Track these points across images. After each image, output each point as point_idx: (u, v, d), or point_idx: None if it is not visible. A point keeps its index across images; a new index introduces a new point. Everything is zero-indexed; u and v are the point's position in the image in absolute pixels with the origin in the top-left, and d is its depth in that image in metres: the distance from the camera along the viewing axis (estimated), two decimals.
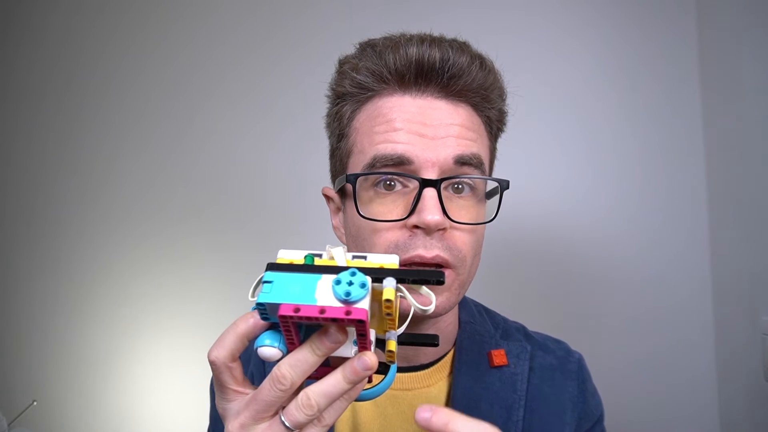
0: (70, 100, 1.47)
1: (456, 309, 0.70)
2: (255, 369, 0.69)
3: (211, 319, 1.32)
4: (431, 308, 0.42)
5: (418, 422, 0.39)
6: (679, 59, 1.15)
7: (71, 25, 1.49)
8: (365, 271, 0.40)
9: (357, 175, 0.59)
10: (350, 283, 0.38)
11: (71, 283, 1.43)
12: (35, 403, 1.23)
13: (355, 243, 0.62)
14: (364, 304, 0.37)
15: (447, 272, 0.57)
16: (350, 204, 0.61)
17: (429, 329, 0.65)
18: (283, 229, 1.31)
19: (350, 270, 0.39)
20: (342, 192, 0.64)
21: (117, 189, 1.42)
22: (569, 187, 1.17)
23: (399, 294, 0.41)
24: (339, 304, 0.37)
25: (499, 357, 0.67)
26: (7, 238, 1.49)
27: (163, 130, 1.41)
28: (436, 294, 0.57)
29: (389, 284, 0.39)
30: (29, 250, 1.47)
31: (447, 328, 0.68)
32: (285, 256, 0.43)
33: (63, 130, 1.47)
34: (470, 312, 0.72)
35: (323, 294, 0.38)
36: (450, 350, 0.68)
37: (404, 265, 0.57)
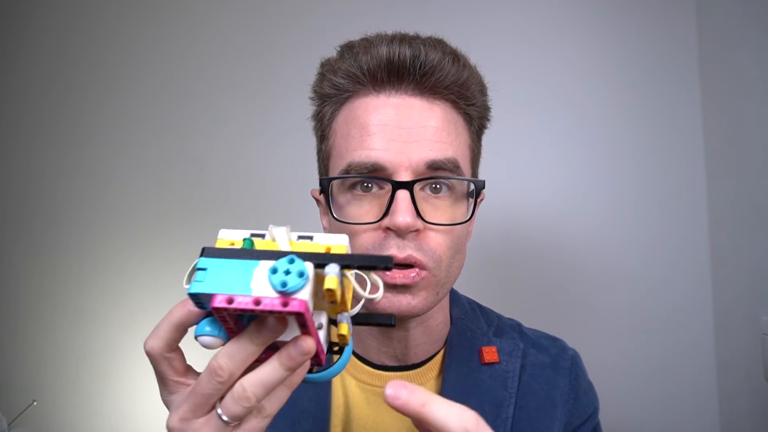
0: (72, 102, 1.48)
1: (447, 307, 0.70)
2: None
3: None
4: (379, 295, 0.40)
5: (388, 400, 0.37)
6: (678, 59, 1.14)
7: (73, 28, 1.49)
8: (307, 256, 0.36)
9: (330, 179, 0.60)
10: (287, 272, 0.34)
11: (71, 284, 1.43)
12: (35, 403, 1.23)
13: None
14: (303, 295, 0.34)
15: (422, 273, 0.58)
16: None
17: (416, 329, 0.65)
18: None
19: (288, 257, 0.35)
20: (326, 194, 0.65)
21: (118, 190, 1.43)
22: (568, 187, 1.17)
23: (354, 276, 0.39)
24: (276, 295, 0.34)
25: (490, 354, 0.67)
26: (8, 239, 1.49)
27: (165, 133, 1.41)
28: (411, 296, 0.58)
29: (331, 272, 0.36)
30: (30, 251, 1.47)
31: (437, 327, 0.68)
32: (225, 238, 0.39)
33: (63, 132, 1.48)
34: (463, 309, 0.72)
35: (259, 283, 0.35)
36: (441, 349, 0.68)
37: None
